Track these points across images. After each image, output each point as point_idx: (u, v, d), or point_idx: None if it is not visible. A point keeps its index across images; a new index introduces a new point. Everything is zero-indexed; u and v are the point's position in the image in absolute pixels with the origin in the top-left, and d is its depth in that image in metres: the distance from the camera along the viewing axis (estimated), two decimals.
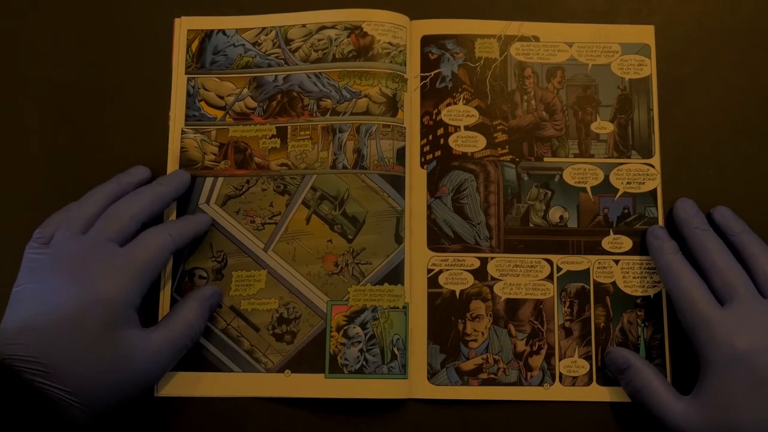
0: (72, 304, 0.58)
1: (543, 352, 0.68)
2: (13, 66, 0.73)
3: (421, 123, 0.71)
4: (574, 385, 0.67)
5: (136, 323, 0.61)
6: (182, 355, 0.63)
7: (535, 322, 0.68)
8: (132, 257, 0.61)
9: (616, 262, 0.69)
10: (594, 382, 0.67)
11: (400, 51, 0.71)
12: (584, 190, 0.70)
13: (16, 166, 0.72)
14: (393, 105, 0.70)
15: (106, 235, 0.62)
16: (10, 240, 0.66)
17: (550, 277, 0.69)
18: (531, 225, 0.70)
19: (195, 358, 0.68)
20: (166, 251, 0.63)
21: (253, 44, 0.73)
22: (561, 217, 0.70)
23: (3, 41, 0.74)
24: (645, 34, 0.73)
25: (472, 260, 0.69)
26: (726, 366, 0.60)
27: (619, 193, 0.70)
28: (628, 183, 0.70)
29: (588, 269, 0.69)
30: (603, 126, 0.71)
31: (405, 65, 0.71)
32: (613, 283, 0.69)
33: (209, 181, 0.71)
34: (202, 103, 0.72)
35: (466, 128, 0.71)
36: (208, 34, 0.73)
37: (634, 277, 0.69)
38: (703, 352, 0.62)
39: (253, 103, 0.72)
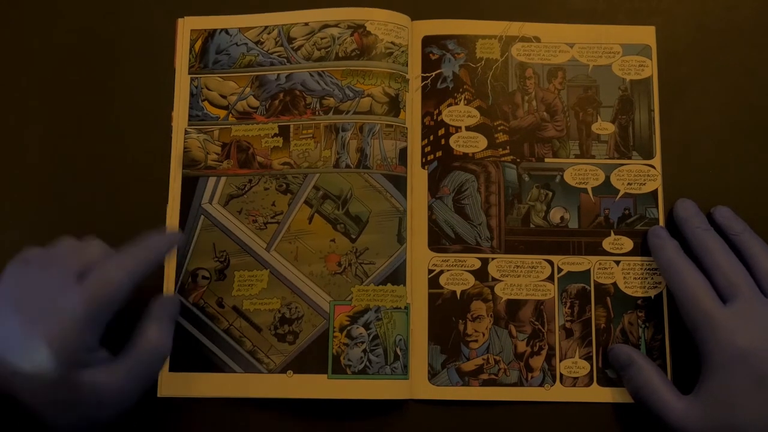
0: (25, 351, 0.51)
1: (544, 352, 0.65)
2: (16, 65, 0.70)
3: (422, 123, 0.68)
4: (574, 385, 0.64)
5: (97, 360, 0.54)
6: (157, 375, 0.58)
7: (536, 323, 0.65)
8: (82, 297, 0.53)
9: (617, 262, 0.66)
10: (595, 382, 0.64)
11: (402, 51, 0.68)
12: (585, 190, 0.67)
13: (16, 165, 0.69)
14: (395, 105, 0.67)
15: (70, 266, 0.55)
16: (9, 242, 0.64)
17: (550, 278, 0.66)
18: (532, 226, 0.67)
19: (197, 359, 0.64)
20: (122, 288, 0.55)
21: (256, 43, 0.69)
22: (562, 218, 0.67)
23: (4, 41, 0.71)
24: (646, 35, 0.69)
25: (472, 261, 0.66)
26: (728, 364, 0.57)
27: (620, 194, 0.67)
28: (628, 184, 0.67)
29: (589, 270, 0.66)
30: (604, 127, 0.68)
31: (407, 65, 0.68)
32: (614, 284, 0.66)
33: (212, 180, 0.67)
34: (205, 103, 0.69)
35: (467, 129, 0.68)
36: (211, 34, 0.70)
37: (634, 278, 0.66)
38: (706, 350, 0.59)
39: (255, 102, 0.68)
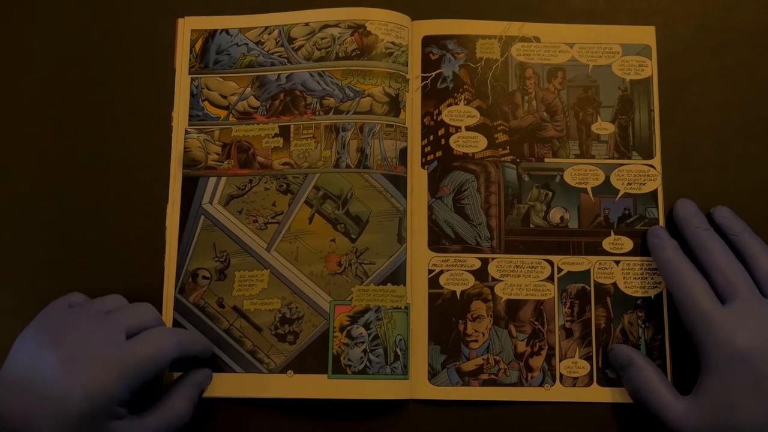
0: (59, 387, 0.52)
1: (543, 352, 0.64)
2: (16, 65, 0.69)
3: (422, 123, 0.67)
4: (574, 385, 0.64)
5: (122, 415, 0.54)
6: None
7: (536, 323, 0.64)
8: (132, 353, 0.55)
9: (617, 262, 0.65)
10: (594, 382, 0.64)
11: (402, 51, 0.67)
12: (585, 190, 0.66)
13: (16, 165, 0.68)
14: (396, 105, 0.66)
15: (123, 322, 0.56)
16: (9, 241, 0.64)
17: (550, 278, 0.65)
18: (532, 226, 0.66)
19: (198, 359, 0.63)
20: (169, 357, 0.56)
21: (257, 43, 0.69)
22: (562, 218, 0.66)
23: (5, 41, 0.70)
24: (646, 34, 0.68)
25: (472, 261, 0.65)
26: (726, 364, 0.56)
27: (620, 194, 0.66)
28: (628, 184, 0.66)
29: (589, 270, 0.65)
30: (604, 127, 0.67)
31: (407, 65, 0.67)
32: (614, 284, 0.65)
33: (212, 180, 0.67)
34: (206, 103, 0.68)
35: (467, 129, 0.67)
36: (212, 34, 0.69)
37: (634, 278, 0.65)
38: (704, 350, 0.58)
39: (256, 103, 0.68)
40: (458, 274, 0.65)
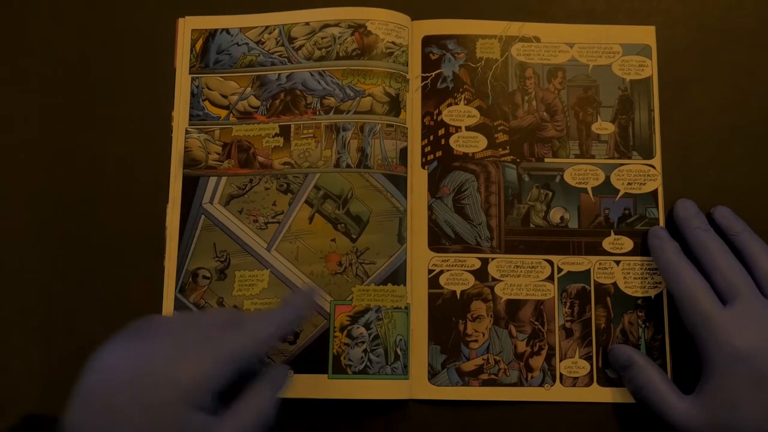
0: (154, 377, 0.50)
1: (543, 352, 0.64)
2: (15, 65, 0.69)
3: (422, 123, 0.67)
4: (574, 385, 0.63)
5: (210, 409, 0.52)
6: None
7: (536, 323, 0.64)
8: (229, 342, 0.52)
9: (617, 262, 0.65)
10: (595, 382, 0.63)
11: (402, 51, 0.67)
12: (585, 190, 0.66)
13: (16, 165, 0.68)
14: (396, 105, 0.66)
15: (228, 316, 0.55)
16: (9, 241, 0.64)
17: (550, 278, 0.65)
18: (532, 226, 0.65)
19: None
20: (270, 343, 0.55)
21: (257, 43, 0.68)
22: (562, 218, 0.66)
23: (5, 39, 0.70)
24: (646, 34, 0.68)
25: (472, 261, 0.65)
26: (727, 365, 0.56)
27: (620, 194, 0.66)
28: (628, 184, 0.66)
29: (589, 270, 0.65)
30: (604, 127, 0.67)
31: (407, 65, 0.67)
32: (614, 284, 0.65)
33: (213, 180, 0.66)
34: (206, 103, 0.68)
35: (467, 129, 0.67)
36: (212, 34, 0.69)
37: (634, 278, 0.65)
38: (705, 351, 0.58)
39: (256, 102, 0.67)
40: (458, 274, 0.65)
